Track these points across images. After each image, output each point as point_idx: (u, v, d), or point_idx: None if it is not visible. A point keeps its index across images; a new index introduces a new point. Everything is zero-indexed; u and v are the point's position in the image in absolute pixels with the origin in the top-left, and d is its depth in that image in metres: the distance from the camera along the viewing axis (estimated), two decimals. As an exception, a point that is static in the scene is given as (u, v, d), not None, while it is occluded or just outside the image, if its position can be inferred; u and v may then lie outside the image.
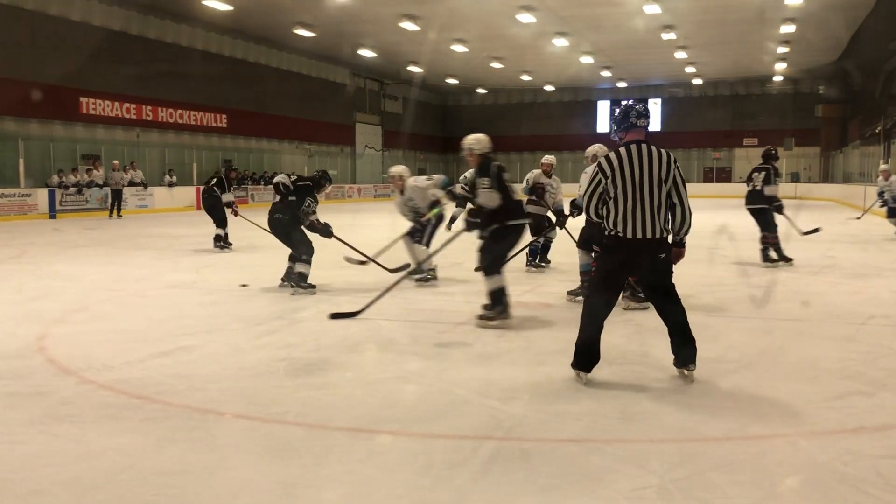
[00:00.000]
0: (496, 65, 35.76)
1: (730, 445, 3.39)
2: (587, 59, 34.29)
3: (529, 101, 46.72)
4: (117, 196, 21.42)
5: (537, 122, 45.49)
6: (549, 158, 9.16)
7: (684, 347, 4.31)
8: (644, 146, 4.21)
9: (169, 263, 10.48)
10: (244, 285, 7.99)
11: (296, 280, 7.50)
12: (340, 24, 27.80)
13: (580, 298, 7.25)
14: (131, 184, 23.09)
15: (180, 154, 27.43)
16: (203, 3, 24.12)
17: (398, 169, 8.29)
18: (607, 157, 4.28)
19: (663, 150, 4.25)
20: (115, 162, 22.28)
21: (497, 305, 5.88)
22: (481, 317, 5.93)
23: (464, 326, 6.00)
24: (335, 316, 6.23)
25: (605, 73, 39.02)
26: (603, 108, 45.64)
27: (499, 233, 5.96)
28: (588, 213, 4.39)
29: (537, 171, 9.05)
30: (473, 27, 28.12)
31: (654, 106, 43.17)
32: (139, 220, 20.05)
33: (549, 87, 44.45)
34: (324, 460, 3.21)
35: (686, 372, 4.34)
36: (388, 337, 5.74)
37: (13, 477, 3.02)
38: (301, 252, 7.55)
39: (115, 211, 21.21)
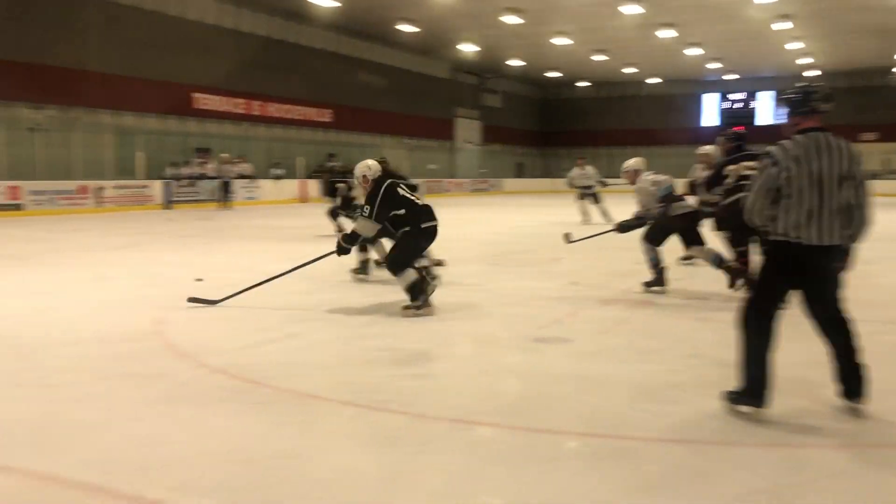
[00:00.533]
0: (599, 57, 35.16)
1: (845, 453, 3.24)
2: (694, 51, 33.25)
3: (632, 94, 45.70)
4: (226, 188, 22.27)
5: (640, 115, 44.46)
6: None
7: (852, 376, 3.63)
8: (825, 135, 3.54)
9: (274, 253, 10.81)
10: (199, 279, 7.82)
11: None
12: (442, 19, 27.98)
13: (656, 289, 7.22)
14: (240, 176, 23.97)
15: (286, 148, 28.27)
16: (311, 0, 24.76)
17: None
18: (781, 147, 3.54)
19: (844, 141, 3.57)
20: (225, 155, 23.16)
21: (416, 297, 6.08)
22: (405, 307, 6.11)
23: (563, 322, 5.96)
24: (193, 300, 6.40)
25: (713, 66, 37.73)
26: (709, 101, 44.21)
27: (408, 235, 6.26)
28: (752, 217, 3.63)
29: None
30: (577, 19, 27.75)
31: (767, 99, 41.57)
32: (247, 212, 20.80)
33: (653, 80, 43.36)
34: (425, 449, 3.26)
35: (854, 405, 3.66)
36: (487, 331, 5.75)
37: (135, 454, 3.19)
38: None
39: (224, 202, 22.08)
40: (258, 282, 6.63)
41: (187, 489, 2.84)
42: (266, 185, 25.31)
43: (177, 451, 3.21)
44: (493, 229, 15.35)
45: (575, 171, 17.41)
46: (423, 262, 6.95)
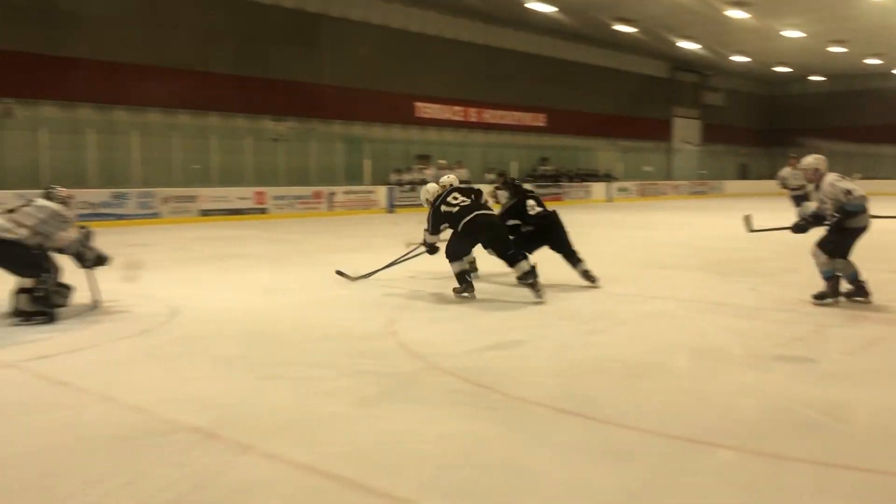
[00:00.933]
0: (836, 49, 32.34)
1: None
2: (952, 36, 29.64)
3: (875, 88, 41.53)
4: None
5: (886, 110, 40.24)
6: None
7: None
8: None
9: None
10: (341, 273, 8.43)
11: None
12: (662, 18, 27.14)
13: (828, 301, 6.64)
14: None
15: (500, 153, 28.80)
16: (526, 6, 25.03)
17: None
18: None
19: None
20: (442, 161, 24.06)
21: (461, 284, 7.27)
22: (454, 289, 7.31)
23: (804, 340, 5.54)
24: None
25: (976, 52, 33.39)
26: (971, 92, 39.09)
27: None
28: None
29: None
30: (811, 9, 25.74)
31: None
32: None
33: (900, 71, 39.16)
34: (664, 470, 3.16)
35: None
36: (719, 345, 5.47)
37: (383, 450, 3.39)
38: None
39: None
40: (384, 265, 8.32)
41: (429, 490, 2.97)
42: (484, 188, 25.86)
43: (418, 451, 3.37)
44: (715, 234, 14.60)
45: (787, 171, 16.10)
46: (470, 257, 8.03)
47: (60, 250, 6.40)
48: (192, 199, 18.39)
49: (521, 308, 6.85)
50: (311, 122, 23.16)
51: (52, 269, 6.36)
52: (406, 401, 4.12)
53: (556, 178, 28.76)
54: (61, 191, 6.75)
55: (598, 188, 30.20)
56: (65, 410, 3.96)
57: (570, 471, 3.19)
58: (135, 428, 3.66)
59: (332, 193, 21.47)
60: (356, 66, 23.92)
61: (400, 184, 23.31)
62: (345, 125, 24.13)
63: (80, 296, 6.66)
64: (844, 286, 6.74)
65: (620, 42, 31.51)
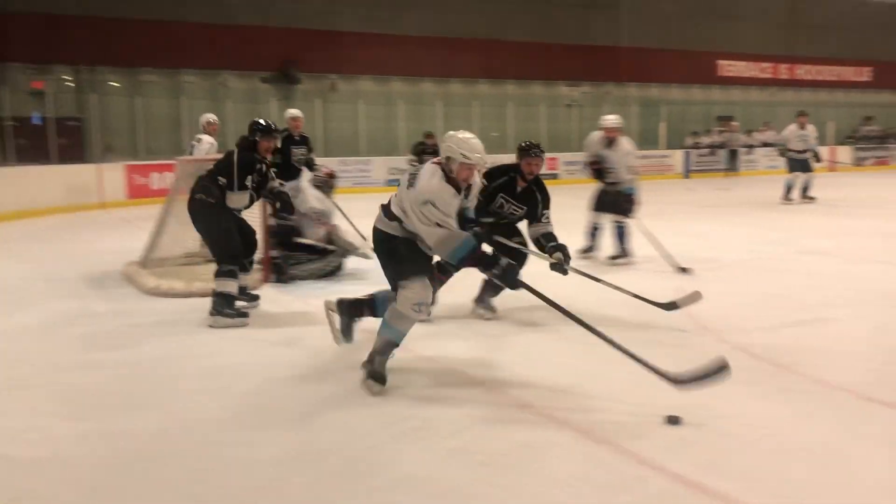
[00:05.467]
0: None
1: None
2: None
3: None
4: (733, 156, 21.72)
5: None
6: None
7: None
8: None
9: (805, 229, 10.03)
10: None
11: None
12: None
13: None
14: (764, 145, 22.94)
15: (815, 112, 26.07)
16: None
17: None
18: None
19: None
20: (734, 123, 22.50)
21: None
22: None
23: None
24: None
25: None
26: None
27: None
28: None
29: None
30: None
31: None
32: (767, 182, 19.83)
33: None
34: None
35: None
36: None
37: (648, 423, 3.31)
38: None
39: (732, 171, 21.59)
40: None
41: (708, 467, 2.85)
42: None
43: (704, 428, 3.22)
44: None
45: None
46: None
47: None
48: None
49: (833, 284, 6.20)
50: (605, 86, 22.86)
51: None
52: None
53: (882, 139, 25.42)
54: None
55: (936, 152, 26.15)
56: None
57: (867, 464, 2.86)
58: (434, 379, 3.94)
59: (625, 158, 21.08)
60: (654, 24, 23.08)
61: (697, 147, 22.18)
62: (641, 87, 23.47)
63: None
64: None
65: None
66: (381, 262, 3.91)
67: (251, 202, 5.49)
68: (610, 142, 7.49)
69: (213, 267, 5.37)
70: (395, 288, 3.81)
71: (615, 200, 7.49)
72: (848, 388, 3.67)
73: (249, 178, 5.28)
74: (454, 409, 3.48)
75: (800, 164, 12.92)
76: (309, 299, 5.86)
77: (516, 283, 3.81)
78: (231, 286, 5.21)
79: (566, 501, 2.67)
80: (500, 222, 5.13)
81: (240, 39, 18.14)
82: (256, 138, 5.38)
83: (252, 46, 18.26)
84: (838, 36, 26.12)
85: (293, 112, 8.58)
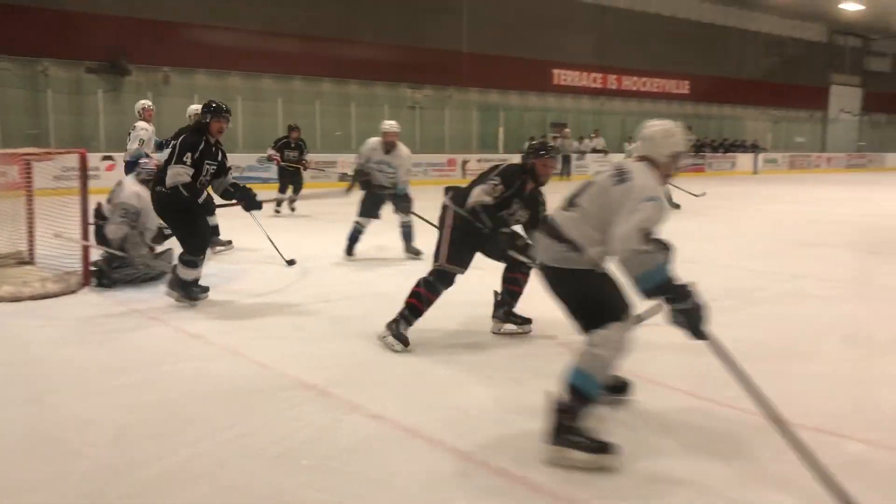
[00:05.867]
0: None
1: None
2: None
3: None
4: (566, 161, 22.88)
5: None
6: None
7: None
8: None
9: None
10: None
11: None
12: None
13: None
14: (593, 151, 24.27)
15: (639, 121, 27.81)
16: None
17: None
18: None
19: None
20: (566, 130, 23.73)
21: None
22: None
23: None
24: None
25: None
26: None
27: None
28: None
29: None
30: None
31: None
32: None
33: None
34: (781, 458, 2.97)
35: None
36: (863, 332, 5.08)
37: (478, 417, 3.39)
38: None
39: (564, 174, 22.71)
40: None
41: (528, 461, 2.94)
42: (618, 158, 25.23)
43: (524, 423, 3.33)
44: (873, 212, 13.55)
45: None
46: None
47: None
48: (332, 164, 18.99)
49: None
50: (447, 89, 23.31)
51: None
52: (530, 373, 4.08)
53: (698, 148, 27.58)
54: None
55: (743, 159, 28.69)
56: (197, 362, 4.22)
57: (679, 456, 3.07)
58: (256, 383, 3.85)
59: (466, 161, 21.57)
60: (494, 31, 23.80)
61: (534, 152, 23.11)
62: (481, 93, 24.15)
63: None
64: None
65: (774, 4, 29.58)
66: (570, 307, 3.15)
67: (199, 185, 5.44)
68: (389, 147, 7.62)
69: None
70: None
71: (392, 203, 7.67)
72: (654, 379, 3.93)
73: (189, 154, 5.34)
74: (281, 414, 3.41)
75: None
76: (132, 304, 5.57)
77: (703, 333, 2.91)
78: (193, 273, 5.47)
79: (393, 501, 2.68)
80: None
81: (64, 25, 16.92)
82: (207, 119, 5.55)
83: (77, 33, 17.09)
84: (661, 51, 28.07)
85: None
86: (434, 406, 3.54)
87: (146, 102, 9.03)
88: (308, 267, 7.17)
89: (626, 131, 26.99)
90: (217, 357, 4.32)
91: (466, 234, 4.48)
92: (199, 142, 5.44)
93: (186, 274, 5.45)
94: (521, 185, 4.57)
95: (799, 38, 33.42)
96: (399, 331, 4.37)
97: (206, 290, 5.72)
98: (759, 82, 31.61)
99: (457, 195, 4.62)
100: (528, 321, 4.83)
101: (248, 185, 5.90)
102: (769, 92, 32.14)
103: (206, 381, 3.87)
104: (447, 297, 4.54)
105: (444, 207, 4.65)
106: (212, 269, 6.48)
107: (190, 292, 5.51)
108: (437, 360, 4.24)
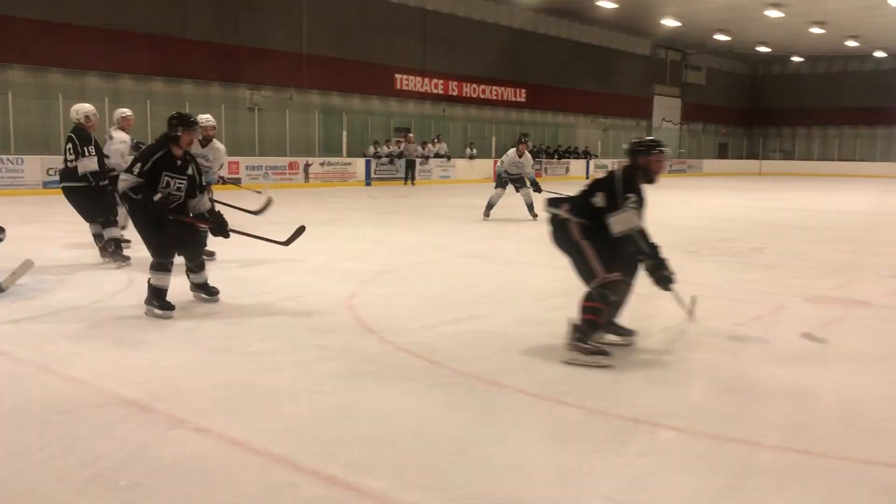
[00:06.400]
0: (816, 30, 32.32)
1: None
2: (933, 20, 29.70)
3: (853, 70, 41.66)
4: (411, 166, 23.15)
5: (864, 92, 40.41)
6: None
7: None
8: None
9: (466, 233, 10.97)
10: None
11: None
12: (644, -6, 27.00)
13: None
14: (436, 156, 24.66)
15: (481, 128, 28.62)
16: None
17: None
18: None
19: None
20: (410, 135, 24.05)
21: None
22: None
23: (763, 320, 5.53)
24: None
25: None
26: (949, 75, 39.30)
27: None
28: None
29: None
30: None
31: None
32: (441, 190, 21.29)
33: (880, 54, 39.25)
34: (602, 448, 3.13)
35: None
36: (677, 325, 5.43)
37: (319, 428, 3.34)
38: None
39: (408, 180, 22.99)
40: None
41: (360, 467, 2.91)
42: (461, 164, 25.81)
43: (356, 428, 3.30)
44: (691, 214, 14.62)
45: None
46: None
47: None
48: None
49: (485, 283, 6.81)
50: (288, 91, 22.87)
51: None
52: (352, 376, 4.05)
53: (535, 154, 28.69)
54: None
55: (577, 165, 30.17)
56: (2, 381, 3.86)
57: (509, 448, 3.15)
58: (69, 400, 3.57)
59: (309, 165, 21.26)
60: (335, 35, 23.62)
61: (378, 156, 23.13)
62: (323, 95, 23.88)
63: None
64: None
65: (603, 19, 31.30)
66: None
67: (166, 196, 5.31)
68: (205, 141, 7.60)
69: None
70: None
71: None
72: (491, 378, 4.02)
73: (139, 165, 5.24)
74: (97, 432, 3.19)
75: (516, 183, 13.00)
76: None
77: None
78: (163, 280, 5.23)
79: (215, 518, 2.57)
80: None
81: None
82: (178, 133, 5.43)
83: None
84: (500, 60, 28.98)
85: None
86: (263, 417, 3.43)
87: (126, 111, 8.50)
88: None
89: (467, 137, 27.68)
90: (25, 375, 3.98)
91: (600, 241, 4.36)
92: (156, 153, 5.33)
93: (157, 280, 5.25)
94: (640, 188, 4.55)
95: (626, 50, 35.56)
96: (591, 344, 4.28)
97: (213, 297, 5.70)
98: (589, 92, 33.32)
99: (575, 206, 4.48)
100: (631, 332, 4.75)
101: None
102: (599, 101, 33.99)
103: (10, 401, 3.56)
104: (277, 306, 4.42)
105: (566, 221, 4.47)
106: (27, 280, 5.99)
107: (154, 301, 5.25)
108: (267, 370, 4.13)
